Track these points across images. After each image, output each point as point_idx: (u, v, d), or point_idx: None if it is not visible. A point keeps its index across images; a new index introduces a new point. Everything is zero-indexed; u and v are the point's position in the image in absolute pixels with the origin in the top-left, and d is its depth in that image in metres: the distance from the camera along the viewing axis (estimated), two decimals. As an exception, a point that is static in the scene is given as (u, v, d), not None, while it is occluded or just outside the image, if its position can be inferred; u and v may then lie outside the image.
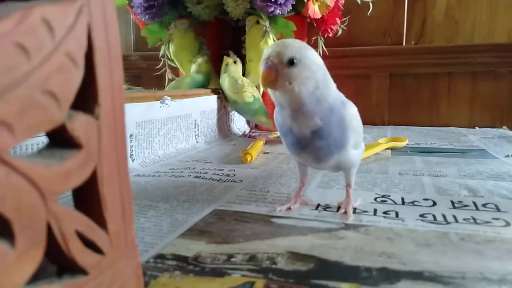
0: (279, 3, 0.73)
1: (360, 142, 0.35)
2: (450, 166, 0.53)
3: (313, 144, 0.31)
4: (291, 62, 0.29)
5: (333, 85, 0.32)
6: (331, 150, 0.32)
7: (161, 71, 0.90)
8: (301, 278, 0.23)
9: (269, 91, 0.31)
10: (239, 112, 0.81)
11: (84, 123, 0.15)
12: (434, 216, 0.34)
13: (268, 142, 0.71)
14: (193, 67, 0.83)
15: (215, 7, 0.81)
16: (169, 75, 0.89)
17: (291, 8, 0.75)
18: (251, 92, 0.76)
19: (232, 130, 0.85)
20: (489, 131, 0.88)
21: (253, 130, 0.84)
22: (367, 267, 0.25)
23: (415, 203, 0.37)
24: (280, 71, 0.29)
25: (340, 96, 0.33)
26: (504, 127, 0.93)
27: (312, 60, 0.30)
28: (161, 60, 0.89)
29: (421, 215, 0.34)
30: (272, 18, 0.77)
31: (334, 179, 0.46)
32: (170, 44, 0.86)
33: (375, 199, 0.39)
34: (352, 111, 0.33)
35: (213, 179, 0.47)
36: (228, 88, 0.77)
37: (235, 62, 0.78)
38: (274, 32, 0.78)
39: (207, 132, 0.76)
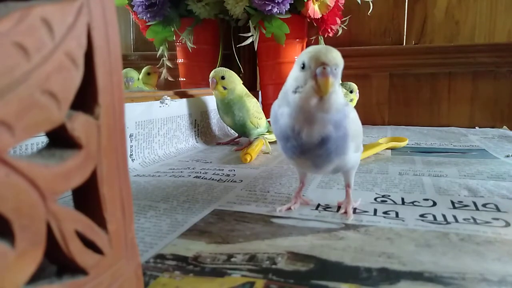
0: (276, 1, 0.73)
1: (359, 144, 0.35)
2: (450, 166, 0.53)
3: (314, 151, 0.31)
4: (341, 68, 0.29)
5: None
6: (331, 158, 0.31)
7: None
8: (301, 278, 0.23)
9: (301, 96, 0.29)
10: (244, 135, 0.71)
11: (84, 123, 0.15)
12: (434, 216, 0.34)
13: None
14: None
15: (215, 4, 0.81)
16: (166, 75, 0.90)
17: (288, 7, 0.75)
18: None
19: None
20: (489, 131, 0.88)
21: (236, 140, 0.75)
22: (367, 267, 0.25)
23: (415, 203, 0.37)
24: (334, 76, 0.29)
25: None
26: (504, 127, 0.93)
27: None
28: (161, 60, 0.89)
29: (421, 215, 0.34)
30: (269, 17, 0.77)
31: (334, 179, 0.46)
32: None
33: (375, 199, 0.39)
34: (350, 116, 0.32)
35: (213, 179, 0.47)
36: (252, 113, 0.67)
37: (223, 77, 0.64)
38: (267, 32, 0.78)
39: (207, 132, 0.76)
